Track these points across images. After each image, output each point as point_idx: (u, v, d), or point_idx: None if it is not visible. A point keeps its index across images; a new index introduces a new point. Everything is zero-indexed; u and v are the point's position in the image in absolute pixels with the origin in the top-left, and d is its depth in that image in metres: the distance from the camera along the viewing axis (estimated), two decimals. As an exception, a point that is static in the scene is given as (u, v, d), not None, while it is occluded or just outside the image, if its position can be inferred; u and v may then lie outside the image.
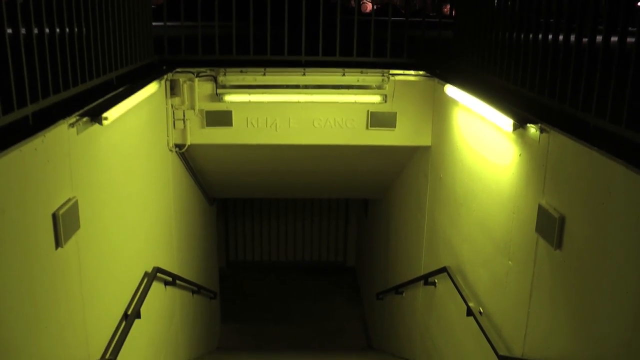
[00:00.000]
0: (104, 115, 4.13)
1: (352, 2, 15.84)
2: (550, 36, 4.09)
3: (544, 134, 3.90)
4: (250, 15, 6.57)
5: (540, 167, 3.95)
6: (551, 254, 3.77)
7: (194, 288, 8.58)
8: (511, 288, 4.47)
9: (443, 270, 6.01)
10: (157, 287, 6.19)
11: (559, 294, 3.71)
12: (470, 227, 5.50)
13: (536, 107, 4.19)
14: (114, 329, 4.69)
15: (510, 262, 4.48)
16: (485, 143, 5.10)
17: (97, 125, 4.15)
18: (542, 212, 3.88)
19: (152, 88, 5.70)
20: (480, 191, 5.22)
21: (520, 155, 4.31)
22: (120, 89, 4.97)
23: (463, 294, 5.34)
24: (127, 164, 5.19)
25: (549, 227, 3.76)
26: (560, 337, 3.69)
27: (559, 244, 3.67)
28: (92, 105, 4.22)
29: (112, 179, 4.71)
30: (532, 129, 4.05)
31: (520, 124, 4.16)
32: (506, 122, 4.29)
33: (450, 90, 5.78)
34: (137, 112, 5.45)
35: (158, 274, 5.97)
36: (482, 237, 5.14)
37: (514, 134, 4.35)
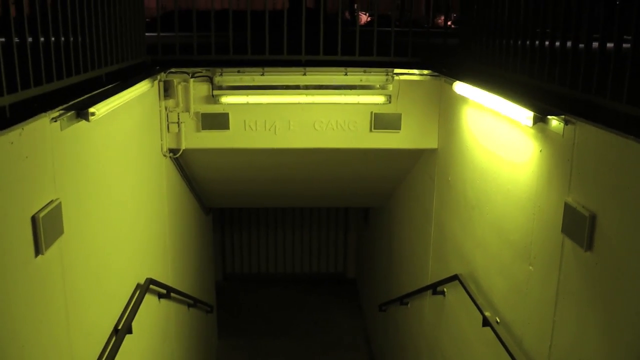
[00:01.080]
0: (91, 110, 3.79)
1: (347, 14, 15.62)
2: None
3: (569, 126, 3.58)
4: (248, 18, 6.26)
5: (566, 162, 3.62)
6: (580, 256, 3.44)
7: (190, 301, 8.23)
8: (533, 295, 4.14)
9: (454, 278, 5.67)
10: (150, 300, 5.85)
11: (590, 300, 3.38)
12: (483, 231, 5.17)
13: (556, 99, 3.89)
14: (103, 345, 4.34)
15: (531, 267, 4.15)
16: (499, 141, 4.79)
17: (83, 122, 3.82)
18: (569, 211, 3.55)
19: (143, 86, 5.38)
20: (494, 192, 4.90)
21: (541, 151, 3.99)
22: (110, 86, 4.66)
23: (477, 302, 5.00)
24: (117, 167, 4.86)
25: (578, 226, 3.43)
26: (591, 348, 3.36)
27: (589, 245, 3.34)
28: (78, 100, 3.90)
29: (100, 182, 4.37)
30: (555, 122, 3.73)
31: (541, 117, 3.84)
32: (525, 116, 3.97)
33: (460, 87, 5.47)
34: (128, 112, 5.14)
35: (151, 286, 5.62)
36: (498, 241, 4.81)
37: (534, 128, 4.03)
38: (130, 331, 4.67)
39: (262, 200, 10.80)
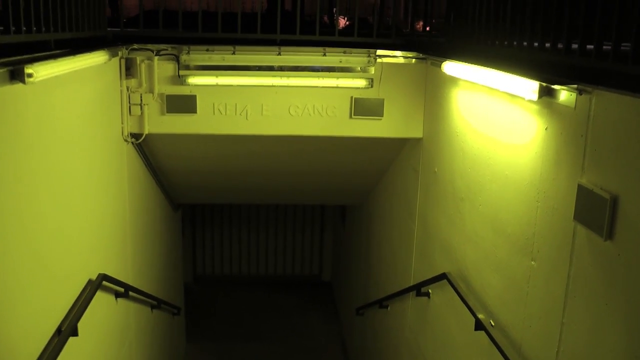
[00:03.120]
0: (28, 70, 3.23)
1: (326, 19, 15.14)
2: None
3: (583, 97, 3.08)
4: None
5: (578, 139, 3.12)
6: (598, 246, 2.93)
7: (153, 302, 7.64)
8: (536, 294, 3.62)
9: (442, 277, 5.14)
10: (104, 299, 5.29)
11: (609, 297, 2.87)
12: (475, 225, 4.66)
13: (562, 70, 3.40)
14: (42, 348, 3.76)
15: (533, 263, 3.64)
16: (496, 123, 4.28)
17: (20, 85, 3.26)
18: (583, 195, 3.05)
19: (98, 58, 4.80)
20: (488, 181, 4.39)
21: (546, 129, 3.49)
22: (58, 51, 4.09)
23: (469, 304, 4.47)
24: (64, 148, 4.26)
25: (595, 212, 2.91)
26: (609, 354, 2.85)
27: (609, 233, 2.83)
28: (14, 59, 3.34)
29: (44, 162, 3.79)
30: (565, 93, 3.23)
31: (548, 88, 3.35)
32: (529, 89, 3.47)
33: (450, 67, 4.97)
34: (81, 86, 4.58)
35: (104, 283, 5.03)
36: (492, 235, 4.30)
37: (538, 103, 3.53)
38: (75, 333, 4.10)
39: (233, 196, 10.19)
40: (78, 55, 4.20)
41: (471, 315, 4.43)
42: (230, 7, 5.70)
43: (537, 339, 3.60)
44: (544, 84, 3.38)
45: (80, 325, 4.19)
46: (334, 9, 6.86)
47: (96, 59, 4.75)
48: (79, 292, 4.57)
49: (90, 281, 4.81)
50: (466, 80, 4.80)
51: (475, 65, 4.36)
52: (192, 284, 14.42)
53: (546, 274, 3.49)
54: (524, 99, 3.64)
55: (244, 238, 14.82)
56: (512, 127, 3.97)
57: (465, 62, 4.59)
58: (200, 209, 14.43)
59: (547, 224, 3.49)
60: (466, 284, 4.78)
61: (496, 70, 3.96)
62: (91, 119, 4.96)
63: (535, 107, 3.62)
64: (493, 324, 4.19)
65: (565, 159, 3.28)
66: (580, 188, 3.07)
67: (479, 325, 4.22)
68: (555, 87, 3.32)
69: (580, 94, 3.09)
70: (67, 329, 4.02)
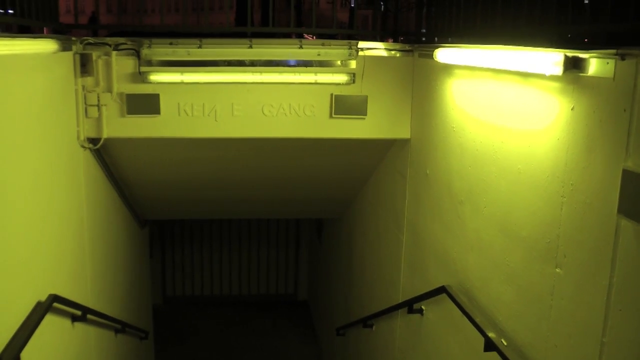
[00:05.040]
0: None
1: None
2: None
3: (625, 62, 2.52)
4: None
5: (619, 115, 2.55)
6: (653, 245, 2.37)
7: (117, 325, 6.93)
8: (564, 307, 3.03)
9: (440, 291, 4.53)
10: (58, 323, 4.63)
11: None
12: (479, 230, 4.07)
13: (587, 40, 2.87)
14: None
15: (558, 270, 3.06)
16: (503, 110, 3.72)
17: None
18: (630, 181, 2.47)
19: (46, 45, 4.18)
20: (495, 178, 3.82)
21: (573, 108, 2.92)
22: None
23: (476, 320, 3.87)
24: (6, 151, 3.64)
25: (649, 202, 2.35)
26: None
27: (669, 228, 2.27)
28: None
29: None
30: (598, 62, 2.68)
31: (575, 59, 2.79)
32: (549, 62, 2.92)
33: (444, 53, 4.42)
34: (24, 80, 3.95)
35: (56, 305, 4.36)
36: (502, 240, 3.71)
37: (561, 79, 2.98)
38: (18, 363, 3.45)
39: (203, 210, 9.47)
40: (19, 38, 3.56)
41: (477, 334, 3.82)
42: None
43: (566, 362, 3.01)
44: (570, 54, 2.82)
45: (26, 354, 3.54)
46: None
47: (43, 45, 4.12)
48: (24, 317, 3.91)
49: (39, 303, 4.15)
50: (464, 67, 4.26)
51: (476, 47, 3.82)
52: (162, 306, 13.68)
53: (577, 282, 2.90)
54: (541, 76, 3.10)
55: (216, 257, 14.15)
56: (526, 113, 3.40)
57: (464, 44, 4.04)
58: (169, 226, 13.74)
59: (576, 223, 2.91)
60: (469, 298, 4.18)
61: (504, 49, 3.41)
62: (40, 118, 4.32)
63: (556, 85, 3.05)
64: (505, 343, 3.60)
65: (600, 142, 2.71)
66: (626, 174, 2.49)
67: (490, 346, 3.61)
68: (585, 55, 2.76)
69: (623, 59, 2.53)
70: (7, 358, 3.37)
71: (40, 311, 4.02)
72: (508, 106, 3.65)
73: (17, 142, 3.88)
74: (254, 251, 14.17)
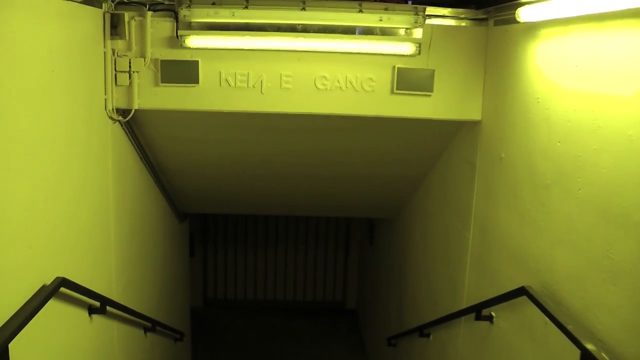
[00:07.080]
0: None
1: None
2: None
3: None
4: None
5: None
6: None
7: (147, 324, 6.35)
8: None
9: (518, 293, 3.78)
10: (70, 313, 4.06)
11: None
12: (571, 218, 3.33)
13: None
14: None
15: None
16: (609, 66, 2.98)
17: None
18: None
19: None
20: (594, 152, 3.08)
21: None
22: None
23: (568, 328, 3.12)
24: (22, 120, 3.10)
25: None
26: None
27: None
28: None
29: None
30: None
31: None
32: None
33: (529, 10, 3.72)
34: (41, 39, 3.40)
35: (64, 290, 3.75)
36: (604, 228, 2.97)
37: None
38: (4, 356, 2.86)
39: (245, 204, 8.74)
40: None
41: (565, 346, 3.08)
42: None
43: None
44: None
45: (20, 345, 2.96)
46: None
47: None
48: (24, 301, 3.32)
49: (44, 287, 3.56)
50: (554, 24, 3.57)
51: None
52: (202, 309, 13.14)
53: None
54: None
55: (260, 258, 13.50)
56: (644, 64, 2.68)
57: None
58: (212, 224, 13.18)
59: None
60: (556, 302, 3.44)
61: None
62: (62, 83, 3.77)
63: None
64: (607, 358, 2.86)
65: None
66: None
67: (588, 360, 2.88)
68: None
69: None
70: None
71: (41, 296, 3.41)
72: (615, 61, 2.92)
73: (38, 100, 3.35)
74: (300, 253, 13.50)
